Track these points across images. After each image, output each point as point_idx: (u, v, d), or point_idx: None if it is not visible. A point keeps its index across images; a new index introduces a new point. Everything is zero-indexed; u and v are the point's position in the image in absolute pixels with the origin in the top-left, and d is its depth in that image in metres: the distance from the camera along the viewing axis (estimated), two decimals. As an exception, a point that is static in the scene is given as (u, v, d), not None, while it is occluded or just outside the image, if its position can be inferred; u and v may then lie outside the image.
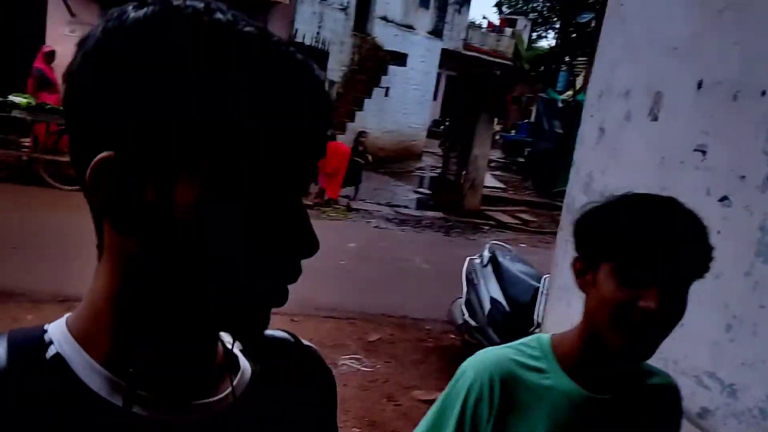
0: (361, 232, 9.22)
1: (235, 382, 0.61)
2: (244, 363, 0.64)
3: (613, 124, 2.77)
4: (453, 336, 5.66)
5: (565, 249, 3.04)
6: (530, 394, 1.08)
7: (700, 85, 2.28)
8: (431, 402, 4.28)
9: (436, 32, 20.31)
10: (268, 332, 0.70)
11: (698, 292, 2.22)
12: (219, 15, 0.49)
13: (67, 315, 0.57)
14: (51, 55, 9.77)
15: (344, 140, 12.63)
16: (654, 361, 2.38)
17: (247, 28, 0.50)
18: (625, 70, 2.74)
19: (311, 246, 0.54)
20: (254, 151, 0.48)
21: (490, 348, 1.20)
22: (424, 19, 19.37)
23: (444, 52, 21.52)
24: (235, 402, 0.60)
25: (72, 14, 11.00)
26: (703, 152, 2.24)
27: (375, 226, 9.77)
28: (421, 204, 12.56)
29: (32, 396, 0.51)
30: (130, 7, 0.49)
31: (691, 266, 1.00)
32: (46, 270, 5.52)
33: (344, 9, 15.22)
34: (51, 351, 0.53)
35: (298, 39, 12.76)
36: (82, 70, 0.49)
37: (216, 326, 0.57)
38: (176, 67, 0.47)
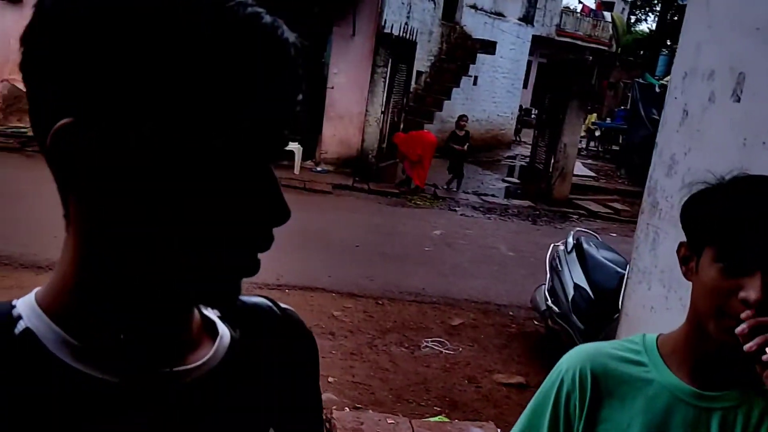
0: (447, 220, 9.30)
1: (213, 349, 0.60)
2: (223, 329, 0.63)
3: (697, 106, 2.73)
4: (536, 322, 5.67)
5: (646, 232, 3.02)
6: (627, 386, 1.04)
7: (785, 64, 2.23)
8: (512, 385, 4.35)
9: (527, 19, 19.95)
10: (245, 298, 0.68)
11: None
12: None
13: (36, 289, 0.56)
14: None
15: (431, 129, 12.71)
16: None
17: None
18: (708, 51, 2.70)
19: (281, 214, 0.52)
20: (217, 116, 0.47)
21: (589, 343, 1.16)
22: (515, 6, 19.07)
23: (535, 38, 21.11)
24: (213, 368, 0.59)
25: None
26: (787, 132, 2.19)
27: (461, 214, 9.82)
28: (508, 193, 12.47)
29: (6, 372, 0.50)
30: None
31: None
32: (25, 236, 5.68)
33: (433, -2, 15.24)
34: (20, 326, 0.52)
35: (387, 30, 12.91)
36: (40, 31, 0.48)
37: (184, 296, 0.55)
38: (134, 29, 0.46)
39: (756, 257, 0.90)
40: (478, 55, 15.67)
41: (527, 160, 14.41)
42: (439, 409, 4.08)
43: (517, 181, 13.96)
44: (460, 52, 15.66)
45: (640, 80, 16.54)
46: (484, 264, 7.27)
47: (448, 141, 11.67)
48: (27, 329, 0.52)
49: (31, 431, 0.50)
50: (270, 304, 0.71)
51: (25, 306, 0.54)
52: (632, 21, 33.57)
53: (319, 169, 11.40)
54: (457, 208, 10.16)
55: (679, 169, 2.82)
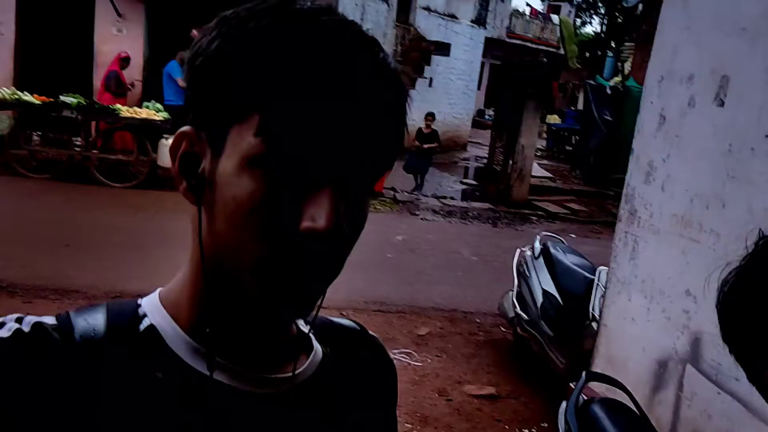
0: (409, 224, 9.17)
1: (308, 362, 0.65)
2: (317, 345, 0.68)
3: (676, 111, 2.65)
4: (504, 329, 5.57)
5: (624, 241, 2.93)
6: None
7: (772, 66, 2.16)
8: (484, 397, 4.23)
9: (480, 21, 20.04)
10: (336, 319, 0.75)
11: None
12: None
13: (159, 289, 0.62)
14: (126, 61, 10.17)
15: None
16: (723, 358, 2.28)
17: (325, 17, 0.53)
18: (687, 53, 2.62)
19: (336, 229, 0.54)
20: (299, 136, 0.50)
21: None
22: (467, 8, 19.13)
23: (487, 40, 21.23)
24: (306, 380, 0.64)
25: (119, 15, 11.23)
26: (777, 138, 2.11)
27: (422, 219, 9.71)
28: (467, 195, 12.43)
29: (126, 365, 0.55)
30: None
31: None
32: (100, 267, 5.65)
33: (386, 0, 15.15)
34: (145, 323, 0.58)
35: (341, 32, 12.75)
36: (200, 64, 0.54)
37: (257, 302, 0.57)
38: (243, 56, 0.51)
39: None
40: (433, 56, 15.64)
41: (484, 161, 14.42)
42: (410, 425, 3.93)
43: (474, 182, 13.95)
44: (415, 54, 15.60)
45: (591, 81, 16.76)
46: (448, 269, 7.16)
47: (416, 140, 11.57)
48: (151, 326, 0.58)
49: (150, 419, 0.54)
50: (358, 327, 0.76)
51: (150, 305, 0.60)
52: (578, 24, 34.25)
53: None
54: (417, 212, 10.05)
55: (657, 176, 2.74)
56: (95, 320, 0.57)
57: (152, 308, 0.59)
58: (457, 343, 5.28)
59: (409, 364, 4.74)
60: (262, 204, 0.51)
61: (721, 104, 2.38)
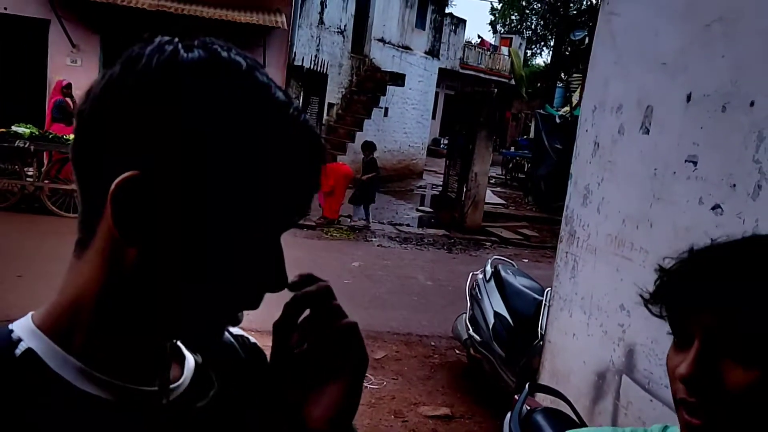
0: (365, 251, 9.27)
1: (184, 371, 0.66)
2: (188, 354, 0.69)
3: (608, 138, 2.85)
4: (458, 351, 5.70)
5: (565, 260, 3.10)
6: None
7: (689, 97, 2.36)
8: (439, 417, 4.33)
9: (433, 52, 20.54)
10: None
11: (695, 298, 2.28)
12: (259, 76, 0.57)
13: (31, 313, 0.61)
14: (69, 88, 10.06)
15: (345, 160, 12.74)
16: (654, 368, 2.43)
17: (278, 94, 0.57)
18: (616, 85, 2.83)
19: (282, 284, 0.62)
20: (258, 199, 0.56)
21: (606, 427, 1.05)
22: (421, 40, 19.60)
23: (441, 71, 21.75)
24: (186, 389, 0.65)
25: (73, 45, 11.18)
26: (695, 162, 2.31)
27: (378, 245, 9.83)
28: (423, 222, 12.62)
29: (8, 391, 0.54)
30: (180, 48, 0.55)
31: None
32: (53, 298, 5.58)
33: (342, 32, 15.42)
34: (21, 347, 0.56)
35: (297, 62, 12.91)
36: (118, 98, 0.54)
37: (175, 334, 0.63)
38: (210, 116, 0.53)
39: (691, 324, 0.76)
40: (388, 87, 15.94)
41: (439, 188, 14.69)
42: (367, 447, 3.99)
43: (430, 210, 14.17)
44: (371, 84, 15.89)
45: (541, 111, 17.30)
46: (403, 294, 7.27)
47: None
48: (29, 350, 0.57)
49: None
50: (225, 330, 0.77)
51: (23, 329, 0.58)
52: (528, 55, 35.30)
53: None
54: (373, 239, 10.17)
55: (593, 199, 2.92)
56: None
57: (27, 332, 0.58)
58: (412, 365, 5.37)
59: (366, 387, 4.81)
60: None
61: (647, 132, 2.58)
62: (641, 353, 2.50)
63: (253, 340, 0.80)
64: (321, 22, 14.44)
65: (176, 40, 0.57)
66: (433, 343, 5.94)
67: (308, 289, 0.66)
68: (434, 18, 20.25)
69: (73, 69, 11.08)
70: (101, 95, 0.56)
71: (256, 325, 1.47)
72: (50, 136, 8.67)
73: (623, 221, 2.68)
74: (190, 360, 0.68)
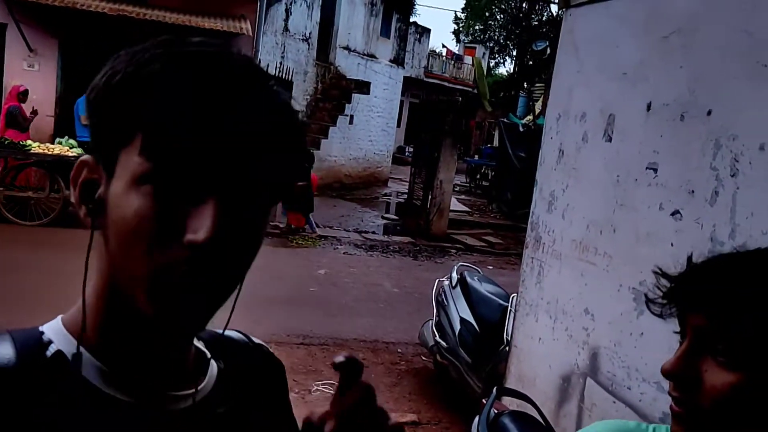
0: (331, 258, 9.25)
1: (207, 377, 0.68)
2: (212, 361, 0.71)
3: (572, 146, 2.91)
4: (425, 358, 5.72)
5: (531, 266, 3.15)
6: None
7: (649, 107, 2.43)
8: (405, 424, 4.28)
9: (398, 61, 20.65)
10: (224, 333, 0.74)
11: (656, 301, 2.34)
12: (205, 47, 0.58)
13: (61, 316, 0.63)
14: (25, 94, 9.78)
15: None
16: (617, 370, 2.49)
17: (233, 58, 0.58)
18: (580, 94, 2.90)
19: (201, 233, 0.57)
20: (185, 159, 0.53)
21: (615, 420, 1.07)
22: (386, 48, 19.69)
23: (406, 79, 21.87)
24: (208, 393, 0.67)
25: (30, 50, 10.92)
26: (655, 170, 2.38)
27: (344, 253, 9.81)
28: (388, 229, 12.65)
29: (41, 391, 0.56)
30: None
31: None
32: (3, 305, 5.43)
33: (306, 39, 15.41)
34: (51, 349, 0.59)
35: (262, 69, 12.82)
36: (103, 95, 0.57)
37: (151, 321, 0.57)
38: (138, 84, 0.55)
39: (685, 324, 0.83)
40: (353, 94, 15.96)
41: (404, 196, 14.74)
42: (334, 455, 3.97)
43: (395, 217, 14.21)
44: (336, 92, 15.88)
45: (505, 120, 17.53)
46: (370, 302, 7.27)
47: None
48: (59, 351, 0.59)
49: None
50: (244, 338, 0.79)
51: (54, 331, 0.61)
52: (492, 65, 35.76)
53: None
54: (339, 247, 10.15)
55: (558, 205, 2.98)
56: (5, 349, 0.57)
57: (56, 334, 0.60)
58: (379, 372, 5.37)
59: (332, 394, 4.79)
60: (149, 220, 0.53)
61: (609, 140, 2.65)
62: (605, 356, 2.55)
63: (269, 349, 0.81)
64: (286, 29, 14.41)
65: (172, 39, 0.59)
66: (399, 350, 5.95)
67: (353, 394, 0.62)
68: (399, 27, 20.37)
69: (30, 73, 10.81)
70: (97, 86, 0.58)
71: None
72: (6, 142, 8.45)
73: (587, 227, 2.74)
74: (213, 366, 0.70)
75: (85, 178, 0.60)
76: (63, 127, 10.21)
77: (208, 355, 0.70)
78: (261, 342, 0.81)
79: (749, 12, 2.05)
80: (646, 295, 0.89)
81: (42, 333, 0.60)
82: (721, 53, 2.16)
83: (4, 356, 0.57)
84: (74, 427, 0.56)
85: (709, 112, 2.18)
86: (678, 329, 0.85)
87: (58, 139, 9.18)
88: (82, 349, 0.59)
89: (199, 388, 0.65)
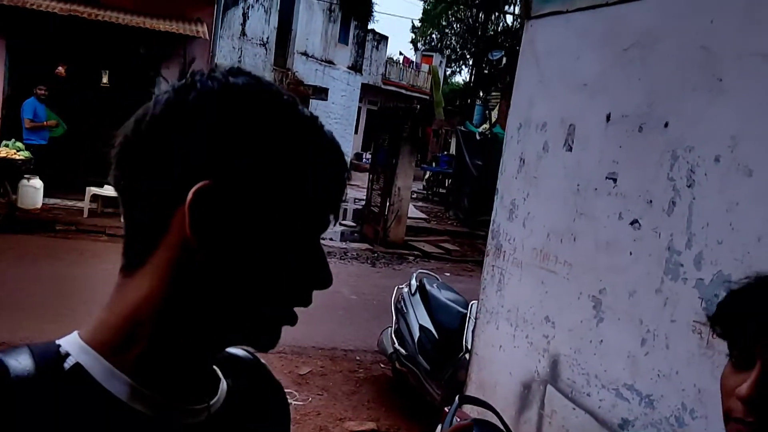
0: (287, 265, 9.16)
1: (219, 392, 0.71)
2: (221, 377, 0.73)
3: (533, 155, 2.95)
4: (384, 366, 5.70)
5: (492, 273, 3.17)
6: None
7: (608, 118, 2.48)
8: (364, 433, 4.23)
9: (356, 67, 20.69)
10: (231, 350, 0.79)
11: (614, 309, 2.39)
12: (287, 96, 0.65)
13: (76, 331, 0.63)
14: None
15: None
16: (577, 377, 2.52)
17: (305, 111, 0.65)
18: (540, 104, 2.94)
19: (329, 281, 0.68)
20: (308, 203, 0.63)
21: None
22: (344, 55, 19.71)
23: (364, 86, 21.92)
24: (218, 409, 0.69)
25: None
26: (614, 179, 2.42)
27: (301, 260, 9.74)
28: (346, 236, 12.60)
29: (60, 401, 0.57)
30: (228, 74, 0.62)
31: None
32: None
33: (264, 44, 15.29)
34: (70, 362, 0.60)
35: (219, 73, 12.67)
36: (179, 121, 0.60)
37: (238, 339, 0.67)
38: (260, 134, 0.60)
39: (754, 347, 0.79)
40: (311, 100, 15.90)
41: (362, 203, 14.73)
42: (292, 465, 3.91)
43: (353, 224, 14.18)
44: (293, 98, 15.79)
45: (462, 128, 17.70)
46: (328, 309, 7.20)
47: None
48: (77, 364, 0.59)
49: None
50: (250, 356, 0.82)
51: (72, 344, 0.61)
52: (449, 73, 36.14)
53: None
54: (296, 254, 10.07)
55: (519, 213, 3.01)
56: (25, 360, 0.58)
57: (75, 348, 0.61)
58: (337, 380, 5.33)
59: (291, 403, 4.73)
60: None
61: (570, 149, 2.69)
62: (565, 363, 2.58)
63: (261, 361, 0.84)
64: (243, 33, 14.28)
65: (216, 67, 0.64)
66: (358, 358, 5.92)
67: None
68: (357, 33, 20.42)
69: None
70: (157, 121, 0.60)
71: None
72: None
73: (548, 235, 2.77)
74: (223, 383, 0.72)
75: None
76: (10, 129, 9.87)
77: (218, 371, 0.73)
78: (263, 361, 0.84)
79: (705, 27, 2.11)
80: (708, 316, 0.87)
81: (59, 346, 0.61)
82: (678, 67, 2.22)
83: (24, 368, 0.58)
84: None
85: (666, 124, 2.23)
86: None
87: (4, 142, 8.87)
88: (105, 362, 0.60)
89: (211, 402, 0.68)
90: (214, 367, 0.73)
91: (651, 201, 2.25)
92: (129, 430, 0.59)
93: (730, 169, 1.98)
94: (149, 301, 0.61)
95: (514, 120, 3.12)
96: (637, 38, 2.40)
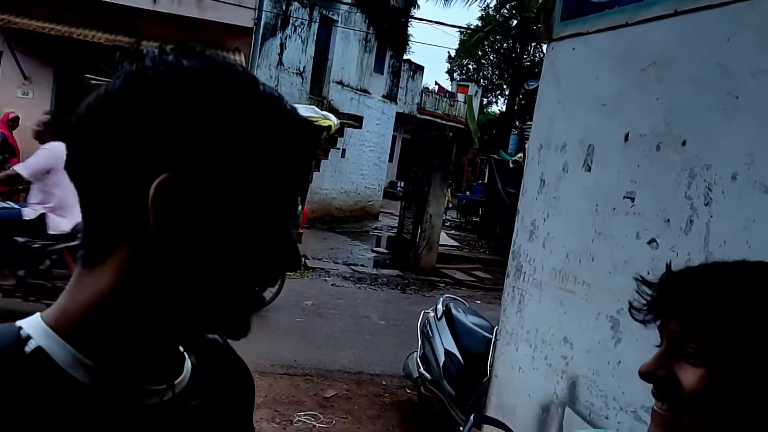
0: (318, 289, 9.21)
1: (184, 371, 0.70)
2: (186, 355, 0.73)
3: (553, 175, 2.94)
4: (409, 390, 5.66)
5: (512, 295, 3.16)
6: None
7: (626, 137, 2.47)
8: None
9: (391, 96, 20.89)
10: None
11: (632, 329, 2.35)
12: (245, 75, 0.63)
13: (39, 313, 0.62)
14: (15, 121, 9.79)
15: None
16: (595, 399, 2.48)
17: (267, 89, 0.63)
18: (560, 125, 2.94)
19: (297, 263, 0.69)
20: (273, 184, 0.62)
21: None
22: (379, 84, 19.94)
23: (399, 115, 22.09)
24: (184, 387, 0.69)
25: (25, 77, 11.01)
26: (632, 199, 2.40)
27: (332, 284, 9.78)
28: (377, 263, 12.63)
29: (21, 386, 0.56)
30: (180, 56, 0.60)
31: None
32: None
33: (301, 73, 15.59)
34: (31, 345, 0.59)
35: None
36: (131, 108, 0.58)
37: (208, 327, 0.67)
38: (222, 116, 0.59)
39: (663, 330, 0.87)
40: (346, 128, 16.08)
41: (395, 230, 14.76)
42: (313, 487, 3.90)
43: (385, 251, 14.20)
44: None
45: (496, 156, 17.68)
46: (356, 333, 7.23)
47: None
48: (38, 348, 0.58)
49: None
50: (217, 336, 0.80)
51: (34, 328, 0.60)
52: (485, 103, 36.23)
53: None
54: (327, 278, 10.12)
55: (539, 234, 3.00)
56: None
57: (37, 331, 0.60)
58: (362, 404, 5.31)
59: (314, 426, 4.73)
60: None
61: (589, 169, 2.68)
62: (583, 385, 2.54)
63: (227, 342, 0.83)
64: (280, 63, 14.59)
65: (167, 49, 0.61)
66: (384, 382, 5.89)
67: None
68: (392, 63, 20.67)
69: (24, 101, 10.88)
70: (107, 109, 0.58)
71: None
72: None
73: (567, 256, 2.75)
74: (187, 361, 0.72)
75: None
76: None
77: (183, 351, 0.72)
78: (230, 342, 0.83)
79: (722, 46, 2.11)
80: (630, 302, 0.93)
81: (20, 328, 0.60)
82: (695, 85, 2.21)
83: None
84: (57, 421, 0.57)
85: (683, 143, 2.22)
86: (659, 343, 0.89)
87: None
88: (68, 346, 0.59)
89: (176, 382, 0.67)
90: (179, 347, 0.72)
91: (668, 220, 2.23)
92: (93, 414, 0.59)
93: (746, 187, 1.96)
94: (113, 292, 0.60)
95: (535, 141, 3.13)
96: (654, 58, 2.40)
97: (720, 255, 2.01)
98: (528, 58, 27.38)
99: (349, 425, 4.88)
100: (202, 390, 0.71)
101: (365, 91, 18.99)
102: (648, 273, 2.30)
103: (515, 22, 25.38)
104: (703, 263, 0.91)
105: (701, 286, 0.85)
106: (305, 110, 9.53)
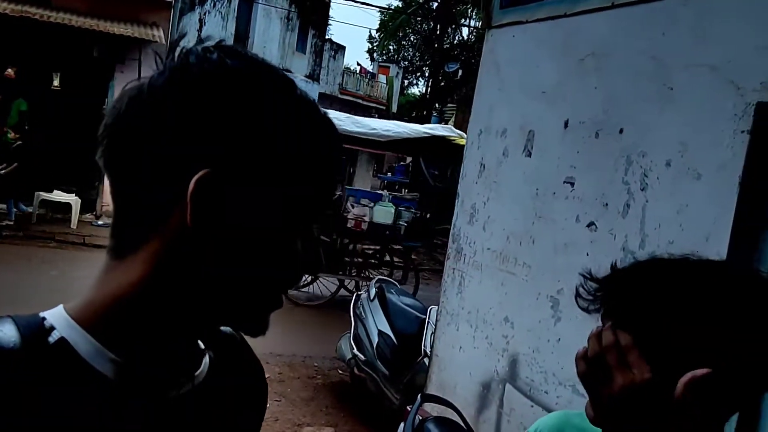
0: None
1: (202, 365, 0.71)
2: (204, 348, 0.74)
3: (493, 160, 3.02)
4: (342, 371, 5.71)
5: (452, 276, 3.23)
6: None
7: (566, 124, 2.58)
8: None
9: (313, 77, 20.68)
10: None
11: (571, 308, 2.46)
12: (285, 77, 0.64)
13: (62, 305, 0.62)
14: None
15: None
16: (535, 375, 2.59)
17: (302, 93, 0.64)
18: (501, 111, 3.02)
19: (319, 264, 0.69)
20: (301, 185, 0.62)
21: (562, 411, 1.18)
22: (301, 64, 19.69)
23: (321, 95, 21.90)
24: (202, 381, 0.70)
25: None
26: (572, 184, 2.51)
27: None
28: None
29: (44, 376, 0.56)
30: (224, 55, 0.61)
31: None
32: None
33: (221, 51, 15.17)
34: (54, 336, 0.59)
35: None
36: (171, 106, 0.58)
37: (228, 322, 0.68)
38: (263, 116, 0.60)
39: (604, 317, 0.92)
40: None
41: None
42: (251, 471, 3.88)
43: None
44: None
45: (418, 138, 17.84)
46: (286, 316, 7.19)
47: None
48: (62, 339, 0.59)
49: (71, 426, 0.57)
50: (234, 333, 0.81)
51: (57, 319, 0.60)
52: (405, 84, 36.43)
53: (100, 222, 10.54)
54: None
55: (479, 217, 3.08)
56: (10, 332, 0.58)
57: (61, 322, 0.60)
58: (295, 387, 5.32)
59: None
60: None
61: (529, 155, 2.77)
62: (523, 362, 2.65)
63: (244, 337, 0.84)
64: (199, 39, 14.12)
65: (212, 47, 0.62)
66: (316, 364, 5.92)
67: None
68: (315, 42, 20.44)
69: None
70: (150, 102, 0.59)
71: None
72: None
73: (507, 238, 2.84)
74: (206, 355, 0.73)
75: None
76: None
77: (200, 344, 0.73)
78: (245, 337, 0.83)
79: (657, 39, 2.23)
80: (577, 290, 0.97)
81: (44, 319, 0.60)
82: (631, 76, 2.33)
83: (9, 339, 0.57)
84: (77, 411, 0.57)
85: (621, 131, 2.33)
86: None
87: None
88: (90, 337, 0.60)
89: (196, 374, 0.68)
90: (198, 340, 0.73)
91: (607, 204, 2.35)
92: (114, 406, 0.59)
93: (680, 173, 2.09)
94: (141, 285, 0.60)
95: (475, 126, 3.20)
96: (592, 48, 2.50)
97: (655, 237, 2.14)
98: (448, 41, 27.72)
99: (283, 408, 4.88)
100: (219, 384, 0.72)
101: (287, 71, 18.69)
102: (587, 254, 2.41)
103: (435, 4, 25.60)
104: (650, 258, 0.95)
105: (638, 290, 0.89)
106: (443, 130, 9.27)
